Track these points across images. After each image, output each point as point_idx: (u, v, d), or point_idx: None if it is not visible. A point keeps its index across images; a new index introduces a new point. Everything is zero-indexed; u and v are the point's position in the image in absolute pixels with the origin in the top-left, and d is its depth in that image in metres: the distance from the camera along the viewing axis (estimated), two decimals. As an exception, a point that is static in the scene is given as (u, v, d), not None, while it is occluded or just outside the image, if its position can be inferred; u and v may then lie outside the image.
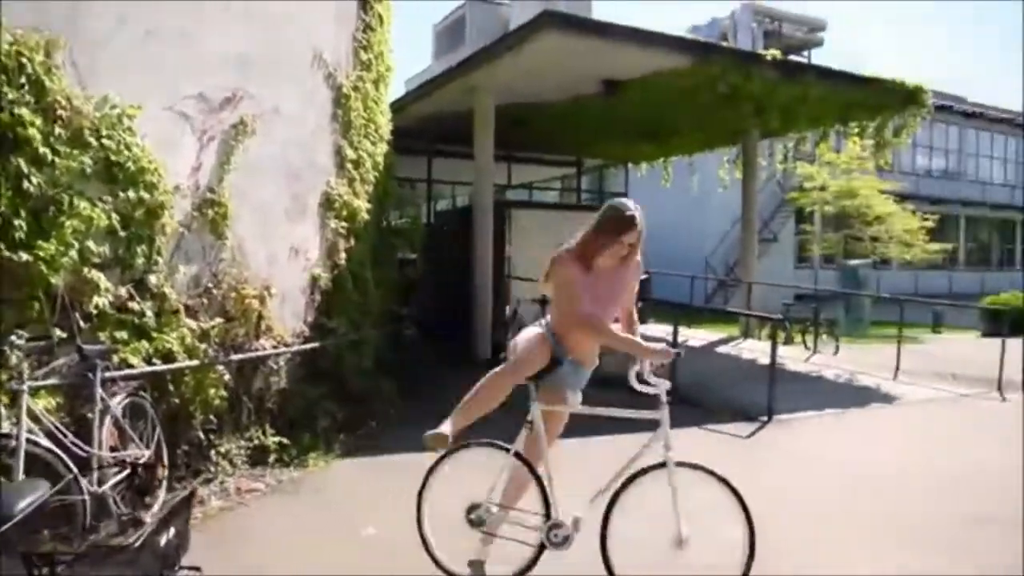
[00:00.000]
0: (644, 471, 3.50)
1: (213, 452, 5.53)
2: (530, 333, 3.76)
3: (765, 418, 7.88)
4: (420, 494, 3.75)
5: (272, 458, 5.85)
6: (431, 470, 3.72)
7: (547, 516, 3.58)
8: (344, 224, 7.06)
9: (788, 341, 13.65)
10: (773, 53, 11.35)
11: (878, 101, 12.15)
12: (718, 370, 10.89)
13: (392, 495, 4.62)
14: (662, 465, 3.45)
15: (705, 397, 8.65)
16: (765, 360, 8.76)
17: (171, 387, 5.26)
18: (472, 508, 3.65)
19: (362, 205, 7.37)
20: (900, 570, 4.19)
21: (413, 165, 15.54)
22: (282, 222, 6.32)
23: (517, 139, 14.96)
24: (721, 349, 12.98)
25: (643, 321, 15.94)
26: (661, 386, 3.47)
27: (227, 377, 5.63)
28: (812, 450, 6.92)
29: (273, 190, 6.23)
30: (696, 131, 14.71)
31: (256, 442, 5.85)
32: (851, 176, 21.28)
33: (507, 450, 3.63)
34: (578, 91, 12.09)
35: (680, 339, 9.42)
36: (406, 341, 9.29)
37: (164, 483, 4.80)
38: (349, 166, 7.22)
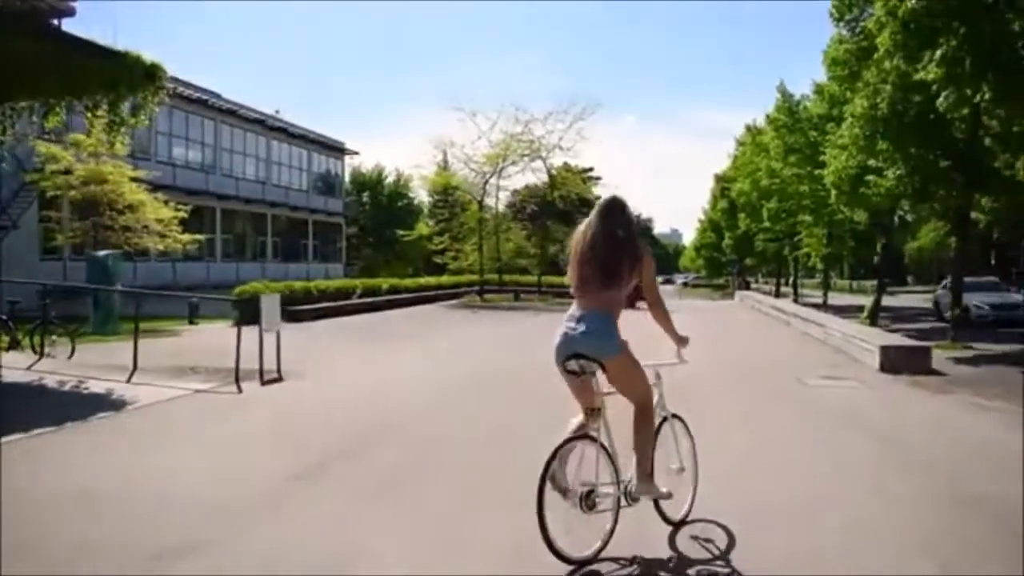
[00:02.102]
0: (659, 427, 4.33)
1: None
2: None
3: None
4: (541, 486, 3.74)
5: None
6: (549, 463, 3.79)
7: (618, 481, 4.06)
8: None
9: (14, 345, 11.58)
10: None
11: (113, 75, 10.96)
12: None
13: None
14: (664, 420, 4.45)
15: None
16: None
17: None
18: (590, 492, 3.89)
19: None
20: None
21: None
22: None
23: None
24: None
25: None
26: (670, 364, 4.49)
27: None
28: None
29: None
30: None
31: None
32: (100, 160, 19.69)
33: (594, 439, 3.97)
34: None
35: None
36: None
37: None
38: None
